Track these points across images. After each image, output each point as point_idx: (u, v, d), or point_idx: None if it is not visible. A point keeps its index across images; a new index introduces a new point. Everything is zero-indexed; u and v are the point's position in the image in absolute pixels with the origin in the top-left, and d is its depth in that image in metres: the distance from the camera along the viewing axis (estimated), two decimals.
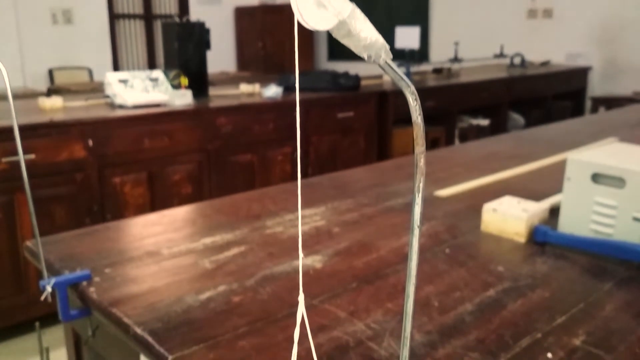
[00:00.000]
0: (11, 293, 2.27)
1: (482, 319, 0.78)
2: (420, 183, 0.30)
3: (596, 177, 1.01)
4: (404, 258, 0.98)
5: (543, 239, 1.03)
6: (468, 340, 0.73)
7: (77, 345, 1.03)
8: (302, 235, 1.08)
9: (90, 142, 2.36)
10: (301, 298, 0.26)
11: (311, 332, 0.76)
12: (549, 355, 0.70)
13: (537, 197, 1.19)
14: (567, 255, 0.99)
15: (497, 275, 0.92)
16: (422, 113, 0.31)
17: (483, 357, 0.69)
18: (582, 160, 1.03)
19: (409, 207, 1.24)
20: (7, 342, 2.37)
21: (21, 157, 0.84)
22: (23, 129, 2.13)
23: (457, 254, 0.99)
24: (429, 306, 0.81)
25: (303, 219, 1.15)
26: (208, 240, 1.04)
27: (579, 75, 5.29)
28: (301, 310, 0.26)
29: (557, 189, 1.17)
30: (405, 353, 0.32)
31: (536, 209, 1.08)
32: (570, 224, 1.05)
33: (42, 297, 0.85)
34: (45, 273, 0.89)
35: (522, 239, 1.05)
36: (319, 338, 0.72)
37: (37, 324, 1.10)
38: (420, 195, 0.31)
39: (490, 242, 1.06)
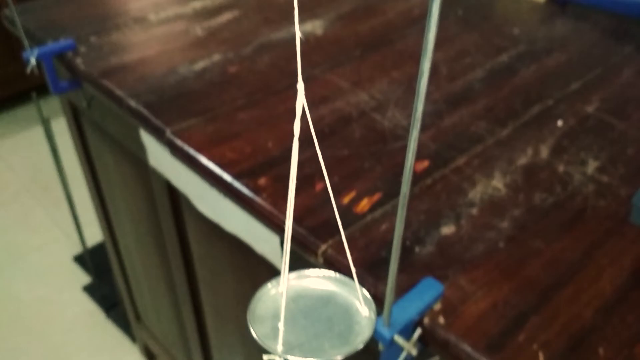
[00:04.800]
0: (4, 63, 2.22)
1: (492, 85, 0.74)
2: None
3: None
4: (413, 22, 0.90)
5: None
6: (476, 109, 0.70)
7: (75, 116, 1.02)
8: None
9: None
10: (300, 87, 0.22)
11: (313, 103, 0.73)
12: (559, 122, 0.67)
13: None
14: (589, 15, 0.91)
15: (511, 38, 0.85)
16: None
17: (490, 126, 0.67)
18: None
19: None
20: (9, 111, 2.40)
21: None
22: None
23: (470, 15, 0.91)
24: (437, 73, 0.77)
25: None
26: (198, 4, 0.95)
27: None
28: (301, 100, 0.21)
29: None
30: (415, 134, 0.28)
31: None
32: None
33: (28, 70, 0.80)
34: (26, 43, 0.83)
35: None
36: (320, 110, 0.69)
37: (33, 94, 1.07)
38: None
39: (507, 1, 0.97)
